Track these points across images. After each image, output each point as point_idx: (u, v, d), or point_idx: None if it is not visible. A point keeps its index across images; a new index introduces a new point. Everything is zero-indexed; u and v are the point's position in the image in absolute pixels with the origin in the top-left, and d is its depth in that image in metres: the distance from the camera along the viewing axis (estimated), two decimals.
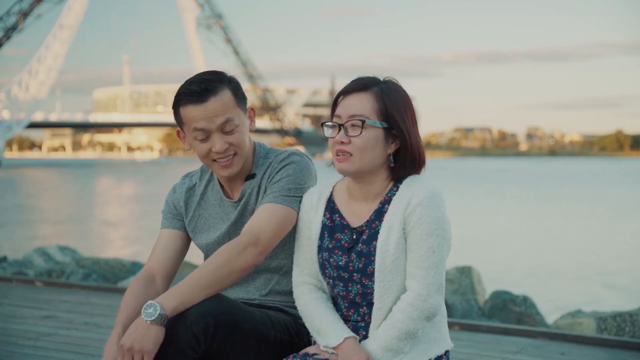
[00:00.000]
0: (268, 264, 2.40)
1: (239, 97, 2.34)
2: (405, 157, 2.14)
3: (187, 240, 2.50)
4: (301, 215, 2.28)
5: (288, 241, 2.35)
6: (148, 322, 2.04)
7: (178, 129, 2.40)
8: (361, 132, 2.11)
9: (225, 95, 2.29)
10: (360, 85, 2.15)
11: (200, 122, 2.27)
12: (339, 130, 2.14)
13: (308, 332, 2.33)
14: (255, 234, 2.21)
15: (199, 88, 2.26)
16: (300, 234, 2.28)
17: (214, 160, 2.31)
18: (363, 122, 2.10)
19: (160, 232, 2.48)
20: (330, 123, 2.16)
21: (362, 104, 2.12)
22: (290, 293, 2.38)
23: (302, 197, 2.30)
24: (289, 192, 2.29)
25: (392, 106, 2.12)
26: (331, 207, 2.24)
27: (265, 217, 2.24)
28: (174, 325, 2.06)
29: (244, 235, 2.22)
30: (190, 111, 2.27)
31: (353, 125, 2.11)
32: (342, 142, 2.12)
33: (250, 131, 2.39)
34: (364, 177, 2.16)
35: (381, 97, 2.12)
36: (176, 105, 2.32)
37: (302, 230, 2.27)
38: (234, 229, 2.40)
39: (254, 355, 2.19)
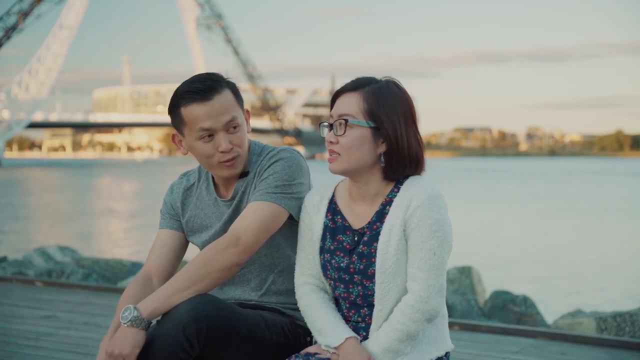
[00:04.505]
0: (262, 262, 2.39)
1: (238, 97, 2.33)
2: (391, 157, 2.13)
3: (185, 241, 2.49)
4: (303, 216, 2.27)
5: (281, 240, 2.35)
6: (125, 325, 2.06)
7: (174, 132, 2.35)
8: (345, 132, 2.11)
9: (227, 94, 2.28)
10: (353, 85, 2.15)
11: (207, 121, 2.23)
12: (330, 129, 2.15)
13: (304, 333, 2.33)
14: (236, 233, 2.20)
15: (204, 86, 2.23)
16: (302, 235, 2.27)
17: (219, 161, 2.28)
18: (346, 121, 2.11)
19: (158, 233, 2.47)
20: (325, 123, 2.17)
21: (350, 104, 2.12)
22: (286, 292, 2.38)
23: (292, 193, 2.28)
24: (276, 189, 2.26)
25: (379, 105, 2.11)
26: (333, 208, 2.24)
27: (249, 216, 2.23)
28: (166, 329, 2.05)
29: (225, 236, 2.21)
30: (195, 110, 2.24)
31: (340, 125, 2.12)
32: (331, 142, 2.13)
33: (248, 132, 2.39)
34: (356, 177, 2.16)
35: (369, 96, 2.11)
36: (176, 106, 2.27)
37: (304, 231, 2.27)
38: (228, 227, 2.37)
39: (249, 359, 2.18)
